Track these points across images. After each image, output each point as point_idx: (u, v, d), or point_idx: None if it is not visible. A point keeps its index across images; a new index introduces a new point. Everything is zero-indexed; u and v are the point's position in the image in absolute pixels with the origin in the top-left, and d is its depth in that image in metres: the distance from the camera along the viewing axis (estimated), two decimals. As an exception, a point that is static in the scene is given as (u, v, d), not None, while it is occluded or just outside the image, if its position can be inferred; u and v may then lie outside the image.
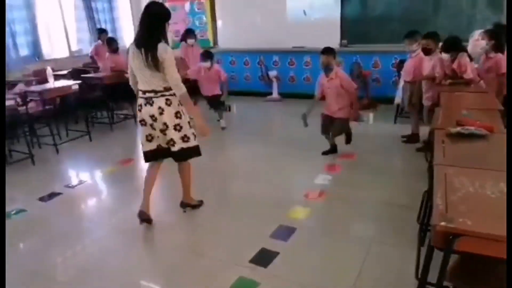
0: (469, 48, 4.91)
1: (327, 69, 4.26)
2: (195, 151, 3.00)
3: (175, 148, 2.90)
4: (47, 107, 5.24)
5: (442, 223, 1.42)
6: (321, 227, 3.01)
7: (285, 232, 2.90)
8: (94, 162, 4.68)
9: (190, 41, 6.28)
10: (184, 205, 3.28)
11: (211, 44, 7.94)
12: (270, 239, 2.83)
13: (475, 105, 3.13)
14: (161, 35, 2.71)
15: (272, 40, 7.18)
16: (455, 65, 4.12)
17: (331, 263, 2.55)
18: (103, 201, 3.78)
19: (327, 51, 4.25)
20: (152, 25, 2.70)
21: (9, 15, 5.86)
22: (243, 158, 4.76)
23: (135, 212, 3.05)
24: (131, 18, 8.10)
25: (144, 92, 2.79)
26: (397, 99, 5.37)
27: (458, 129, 2.38)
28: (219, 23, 7.76)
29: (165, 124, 2.80)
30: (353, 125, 4.48)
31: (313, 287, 2.31)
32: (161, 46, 2.65)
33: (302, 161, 4.35)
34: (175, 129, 2.83)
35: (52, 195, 3.69)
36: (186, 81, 6.08)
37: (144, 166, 4.50)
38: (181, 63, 6.17)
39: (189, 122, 2.91)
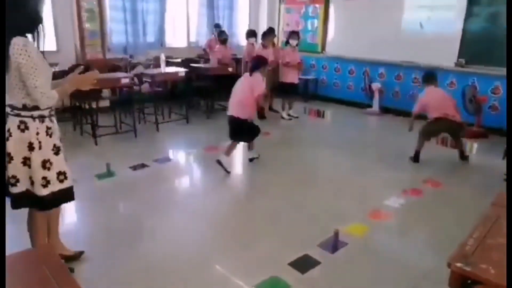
0: None
1: None
2: (48, 201, 2.09)
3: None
4: (157, 89, 5.89)
5: (458, 264, 1.27)
6: (373, 249, 2.85)
7: (335, 244, 2.83)
8: (184, 144, 5.16)
9: (293, 42, 6.37)
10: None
11: (319, 49, 7.96)
12: (317, 247, 2.79)
13: None
14: (31, 24, 1.90)
15: (381, 51, 6.90)
16: None
17: (369, 287, 2.42)
18: (182, 181, 4.14)
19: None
20: (22, 7, 1.85)
21: (143, 6, 6.73)
22: (321, 163, 4.74)
23: (208, 197, 3.31)
24: (248, 15, 8.56)
25: (8, 106, 2.00)
26: (510, 131, 4.73)
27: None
28: (330, 29, 7.72)
29: (9, 155, 1.98)
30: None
31: (341, 305, 2.23)
32: (15, 42, 1.83)
33: (382, 179, 4.15)
34: (23, 163, 2.01)
35: (141, 166, 4.18)
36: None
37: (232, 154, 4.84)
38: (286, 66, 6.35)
39: (45, 162, 2.03)
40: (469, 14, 5.95)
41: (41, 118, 2.02)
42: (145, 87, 5.75)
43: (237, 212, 3.37)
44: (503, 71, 5.70)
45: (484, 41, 5.91)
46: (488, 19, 5.84)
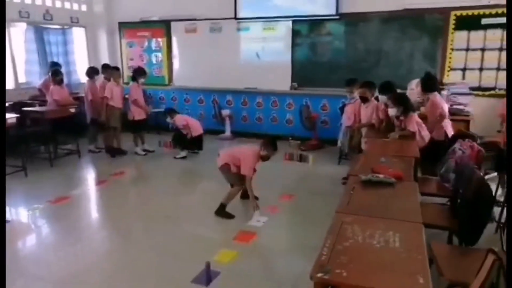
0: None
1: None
2: None
3: None
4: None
5: (319, 275, 1.43)
6: (244, 271, 2.95)
7: (208, 277, 2.82)
8: (24, 200, 4.48)
9: (141, 80, 6.25)
10: None
11: (166, 82, 8.00)
12: (191, 284, 2.75)
13: (396, 152, 3.28)
14: None
15: (226, 80, 7.33)
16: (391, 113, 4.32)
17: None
18: (23, 244, 3.56)
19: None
20: None
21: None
22: (182, 196, 4.71)
23: (58, 255, 2.91)
24: (86, 52, 8.06)
25: None
26: (340, 142, 5.56)
27: (369, 176, 2.47)
28: (175, 61, 7.86)
29: None
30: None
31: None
32: None
33: (242, 201, 4.34)
34: None
35: (-33, 236, 3.45)
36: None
37: (80, 205, 4.39)
38: (135, 104, 6.16)
39: None
40: (294, 45, 6.83)
41: None
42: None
43: (96, 266, 3.06)
44: (327, 91, 6.70)
45: (308, 66, 6.85)
46: (309, 48, 6.81)
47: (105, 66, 6.41)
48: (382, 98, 4.50)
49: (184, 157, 6.09)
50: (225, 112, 7.39)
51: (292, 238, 3.59)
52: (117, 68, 6.36)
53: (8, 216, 4.01)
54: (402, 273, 1.45)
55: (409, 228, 1.81)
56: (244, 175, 3.78)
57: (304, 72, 6.89)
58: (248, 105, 7.50)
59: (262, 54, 7.09)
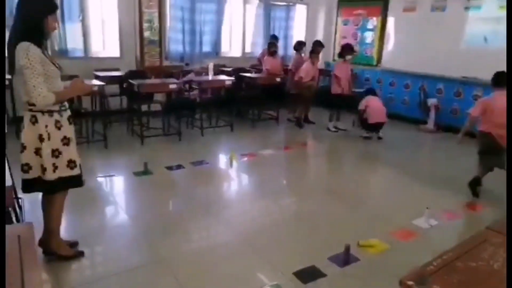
0: None
1: None
2: (55, 185, 2.32)
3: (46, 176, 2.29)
4: (206, 96, 6.17)
5: (409, 282, 1.22)
6: (386, 268, 2.72)
7: (345, 259, 2.76)
8: (224, 150, 5.35)
9: (348, 57, 6.29)
10: (50, 252, 2.52)
11: (374, 63, 7.76)
12: (327, 260, 2.75)
13: None
14: (34, 31, 2.14)
15: (440, 65, 6.55)
16: None
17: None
18: (212, 184, 4.25)
19: None
20: (26, 17, 2.15)
21: (201, 17, 7.12)
22: (359, 178, 4.61)
23: (234, 201, 3.53)
24: (305, 28, 8.62)
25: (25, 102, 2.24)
26: None
27: None
28: (387, 41, 7.49)
29: (22, 145, 2.25)
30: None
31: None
32: (20, 47, 2.08)
33: (418, 198, 3.93)
34: (36, 153, 2.26)
35: (177, 167, 4.42)
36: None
37: (265, 163, 4.85)
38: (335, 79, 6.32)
39: (54, 151, 2.27)
40: (540, 27, 5.43)
41: (50, 112, 2.24)
42: (195, 94, 6.05)
43: (261, 216, 3.44)
44: None
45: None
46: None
47: (316, 44, 6.68)
48: None
49: (368, 137, 5.99)
50: (431, 101, 6.66)
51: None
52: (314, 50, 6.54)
53: (208, 159, 4.84)
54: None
55: None
56: None
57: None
58: (462, 97, 6.51)
59: (491, 38, 5.96)
